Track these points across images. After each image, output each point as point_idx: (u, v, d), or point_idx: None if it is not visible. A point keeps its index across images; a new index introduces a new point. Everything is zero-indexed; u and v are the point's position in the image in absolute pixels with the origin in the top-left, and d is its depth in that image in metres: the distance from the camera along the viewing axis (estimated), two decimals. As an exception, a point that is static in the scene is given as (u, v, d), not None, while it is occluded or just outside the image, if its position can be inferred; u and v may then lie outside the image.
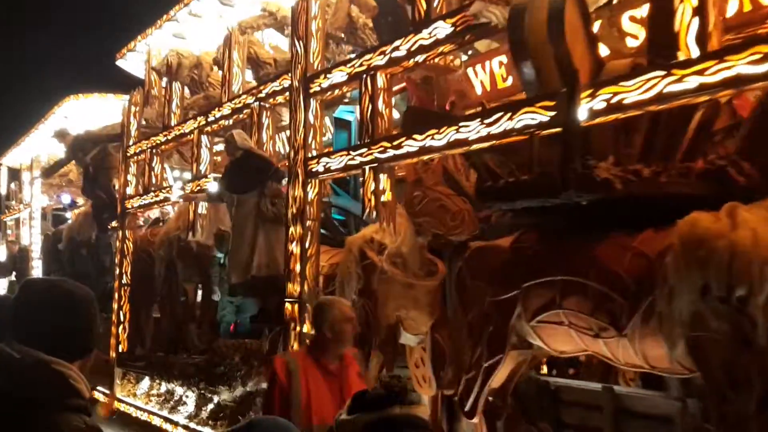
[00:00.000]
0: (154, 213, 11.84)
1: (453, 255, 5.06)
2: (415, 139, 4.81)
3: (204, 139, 7.77)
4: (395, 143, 4.99)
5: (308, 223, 5.88)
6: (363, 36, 7.30)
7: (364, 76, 5.34)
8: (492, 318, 4.42)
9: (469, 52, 6.75)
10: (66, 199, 15.35)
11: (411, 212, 5.04)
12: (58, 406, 1.67)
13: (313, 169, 5.84)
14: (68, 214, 16.25)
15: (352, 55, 6.32)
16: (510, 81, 6.32)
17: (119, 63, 10.37)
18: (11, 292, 14.74)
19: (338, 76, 5.67)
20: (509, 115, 4.14)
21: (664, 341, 3.40)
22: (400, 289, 5.28)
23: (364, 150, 5.27)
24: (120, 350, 9.36)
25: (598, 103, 3.67)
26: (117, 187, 10.07)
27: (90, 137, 10.43)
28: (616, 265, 3.66)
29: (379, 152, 5.13)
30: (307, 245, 5.86)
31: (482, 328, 4.51)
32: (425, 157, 4.90)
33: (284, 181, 6.20)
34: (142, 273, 9.23)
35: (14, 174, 18.58)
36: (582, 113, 3.72)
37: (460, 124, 4.48)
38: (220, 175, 6.71)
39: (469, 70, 6.65)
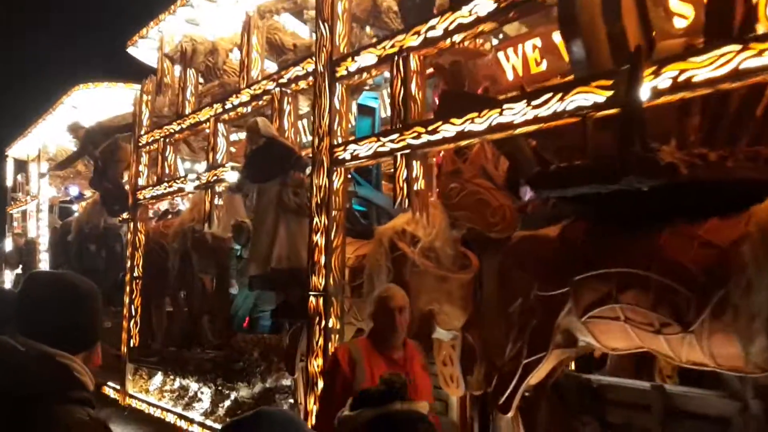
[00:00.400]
0: (163, 205, 11.67)
1: (489, 247, 4.83)
2: (452, 124, 4.54)
3: (220, 127, 7.50)
4: (430, 128, 4.72)
5: (333, 213, 5.62)
6: (387, 20, 7.04)
7: (396, 58, 5.07)
8: (537, 312, 4.18)
9: (500, 36, 6.49)
10: (74, 191, 15.11)
11: (447, 204, 4.78)
12: (62, 399, 1.66)
13: (339, 157, 5.58)
14: (75, 207, 16.02)
15: (375, 38, 6.06)
16: (544, 65, 6.05)
17: (130, 50, 10.09)
18: (17, 285, 14.49)
19: (367, 58, 5.40)
20: (560, 96, 3.87)
21: (738, 338, 3.14)
22: (433, 282, 5.03)
23: (395, 136, 5.01)
24: (132, 345, 9.10)
25: (663, 81, 3.40)
26: (127, 178, 9.80)
27: (102, 129, 10.17)
28: (681, 256, 3.40)
29: (413, 138, 4.86)
30: (332, 236, 5.60)
31: (525, 322, 4.26)
32: (463, 143, 4.63)
33: (307, 170, 5.93)
34: (154, 265, 8.99)
35: (21, 166, 18.35)
36: (644, 92, 3.44)
37: (504, 106, 4.22)
38: (241, 165, 6.43)
39: (500, 55, 6.38)
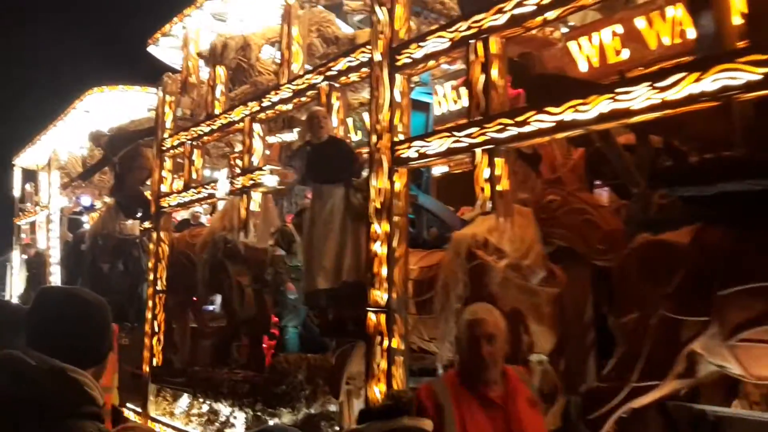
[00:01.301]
0: (180, 215, 11.05)
1: (578, 259, 4.25)
2: (549, 113, 3.92)
3: (256, 127, 6.89)
4: (520, 119, 4.10)
5: (395, 218, 5.00)
6: (438, 5, 6.46)
7: (474, 41, 4.46)
8: (659, 332, 3.55)
9: (570, 24, 5.89)
10: (86, 200, 14.49)
11: (542, 218, 4.17)
12: (73, 414, 1.66)
13: (403, 155, 4.96)
14: (85, 218, 15.42)
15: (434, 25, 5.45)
16: (625, 54, 5.44)
17: (151, 50, 9.50)
18: (26, 299, 13.91)
19: (436, 43, 4.78)
20: (696, 75, 3.25)
21: None
22: (518, 295, 4.41)
23: (474, 129, 4.39)
24: (154, 363, 8.44)
25: None
26: (148, 184, 9.19)
27: (124, 135, 9.57)
28: None
29: (496, 131, 4.25)
30: (394, 245, 4.98)
31: (640, 340, 3.65)
32: (560, 136, 4.02)
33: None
34: (178, 278, 8.36)
35: (28, 175, 17.78)
36: (819, 66, 2.84)
37: (618, 90, 3.60)
38: (290, 159, 5.74)
39: (571, 44, 5.79)
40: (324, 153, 5.15)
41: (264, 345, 7.64)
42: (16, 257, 18.26)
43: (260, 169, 6.64)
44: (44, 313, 1.84)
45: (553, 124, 3.91)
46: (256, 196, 6.80)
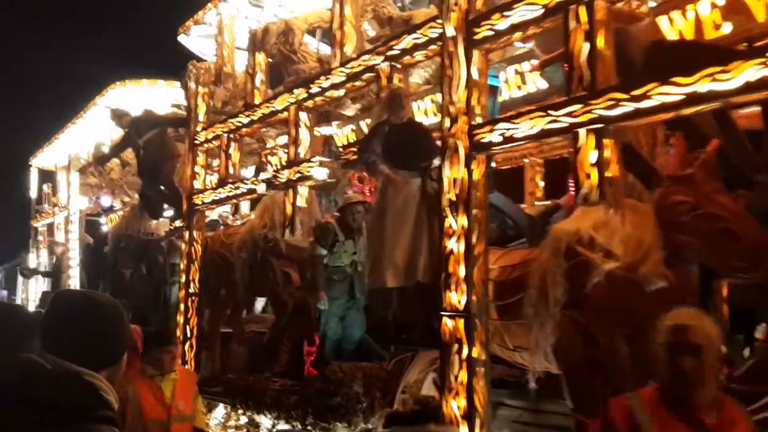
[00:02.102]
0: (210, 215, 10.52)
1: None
2: (676, 84, 3.36)
3: (303, 116, 6.36)
4: (636, 93, 3.54)
5: (474, 212, 4.45)
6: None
7: (574, 6, 3.91)
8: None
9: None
10: (106, 201, 14.00)
11: (667, 221, 3.59)
12: (89, 418, 1.64)
13: (483, 140, 4.41)
14: (102, 220, 14.97)
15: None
16: (726, 28, 4.88)
17: (181, 39, 9.02)
18: (44, 302, 13.47)
19: (524, 12, 4.23)
20: None
21: None
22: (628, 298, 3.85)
23: (577, 107, 3.83)
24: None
25: None
26: (182, 180, 8.65)
27: (150, 120, 9.02)
28: None
29: (606, 108, 3.69)
30: (473, 241, 4.42)
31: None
32: (688, 111, 3.45)
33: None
34: (212, 280, 7.84)
35: (46, 176, 17.37)
36: None
37: (773, 54, 3.04)
38: (365, 141, 5.15)
39: (660, 19, 5.23)
40: (404, 135, 4.60)
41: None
42: (32, 261, 17.83)
43: (308, 160, 6.11)
44: (58, 316, 1.84)
45: (683, 96, 3.34)
46: (303, 191, 6.27)
